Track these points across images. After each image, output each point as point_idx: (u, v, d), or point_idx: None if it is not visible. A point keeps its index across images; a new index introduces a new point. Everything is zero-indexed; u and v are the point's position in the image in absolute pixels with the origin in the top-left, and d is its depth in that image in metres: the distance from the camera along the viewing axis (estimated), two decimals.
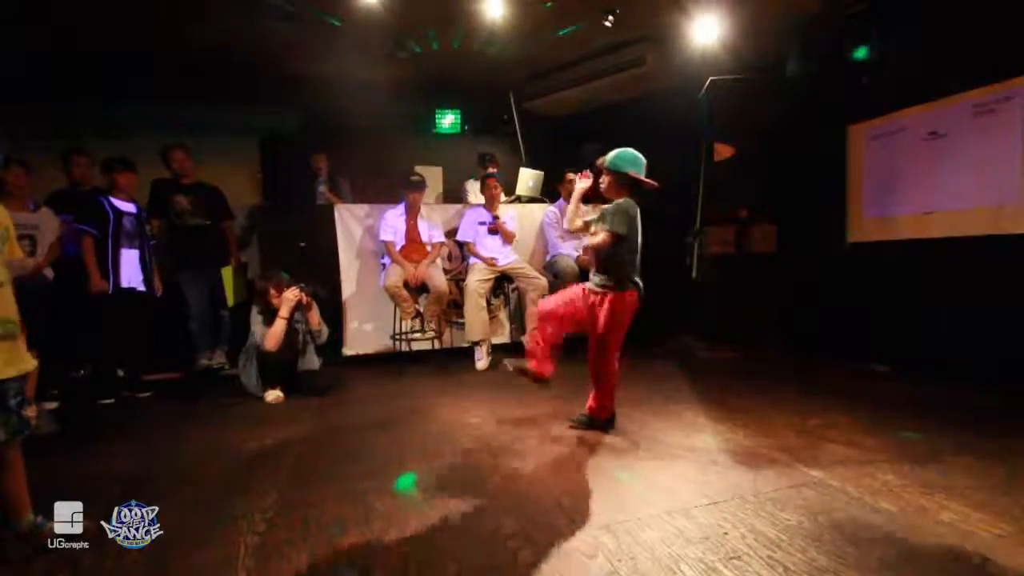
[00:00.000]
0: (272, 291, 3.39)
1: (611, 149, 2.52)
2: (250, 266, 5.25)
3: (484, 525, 1.76)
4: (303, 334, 3.54)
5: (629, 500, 1.90)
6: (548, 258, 4.69)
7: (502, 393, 3.41)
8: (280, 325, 3.31)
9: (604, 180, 2.54)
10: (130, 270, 3.64)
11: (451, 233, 4.70)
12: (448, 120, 6.09)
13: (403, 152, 5.82)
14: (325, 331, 3.64)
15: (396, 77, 5.36)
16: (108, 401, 3.49)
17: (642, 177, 2.48)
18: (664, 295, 5.26)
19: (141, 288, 3.68)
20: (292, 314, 3.39)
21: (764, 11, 4.22)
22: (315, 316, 3.55)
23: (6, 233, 1.69)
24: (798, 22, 4.39)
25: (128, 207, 3.66)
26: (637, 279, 2.52)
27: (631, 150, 2.50)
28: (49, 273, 3.51)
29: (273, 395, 3.38)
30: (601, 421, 2.66)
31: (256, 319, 3.42)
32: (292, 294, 3.35)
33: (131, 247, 3.65)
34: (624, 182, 2.48)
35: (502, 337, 4.60)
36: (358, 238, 4.55)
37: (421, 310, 4.25)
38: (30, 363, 1.65)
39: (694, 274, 4.83)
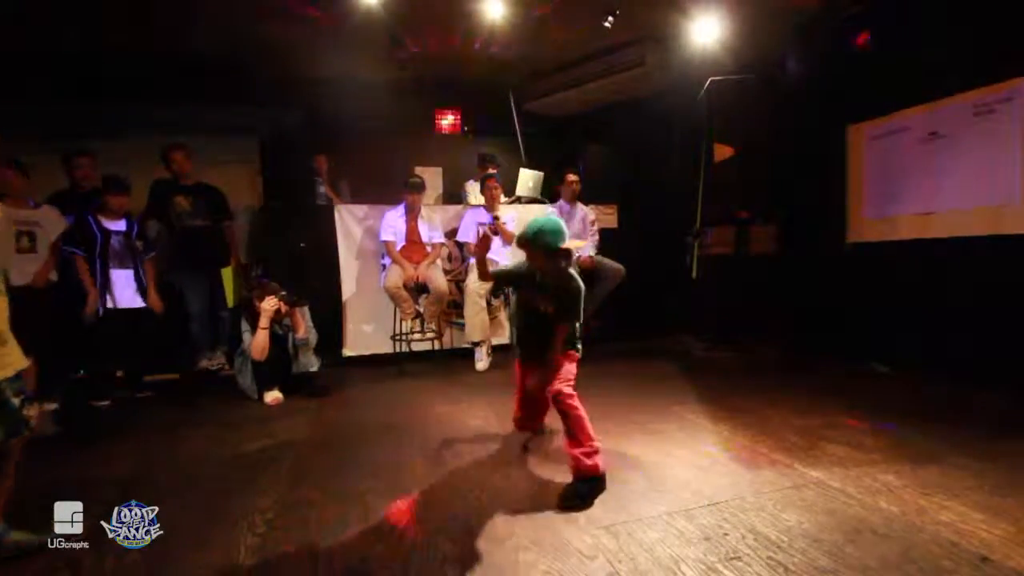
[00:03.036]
0: (255, 301, 3.39)
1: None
2: (251, 267, 5.24)
3: (484, 526, 1.76)
4: (292, 339, 3.54)
5: (629, 501, 1.90)
6: None
7: (502, 394, 3.39)
8: (261, 336, 3.31)
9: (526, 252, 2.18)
10: (124, 290, 3.63)
11: (451, 234, 4.70)
12: (448, 120, 6.09)
13: (403, 153, 5.81)
14: (313, 338, 3.63)
15: (396, 77, 5.36)
16: (107, 402, 3.50)
17: (571, 246, 2.15)
18: (664, 295, 5.31)
19: (139, 304, 3.67)
20: (276, 321, 3.39)
21: (763, 11, 4.21)
22: (301, 323, 3.53)
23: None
24: (797, 22, 4.39)
25: (116, 226, 3.65)
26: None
27: (549, 218, 2.13)
28: (53, 275, 3.50)
29: (272, 396, 3.38)
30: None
31: (245, 327, 3.44)
32: (268, 304, 3.33)
33: (122, 267, 3.63)
34: (556, 254, 2.10)
35: (502, 338, 4.59)
36: (358, 238, 4.55)
37: (421, 311, 4.25)
38: (22, 361, 1.63)
39: (694, 274, 4.83)
